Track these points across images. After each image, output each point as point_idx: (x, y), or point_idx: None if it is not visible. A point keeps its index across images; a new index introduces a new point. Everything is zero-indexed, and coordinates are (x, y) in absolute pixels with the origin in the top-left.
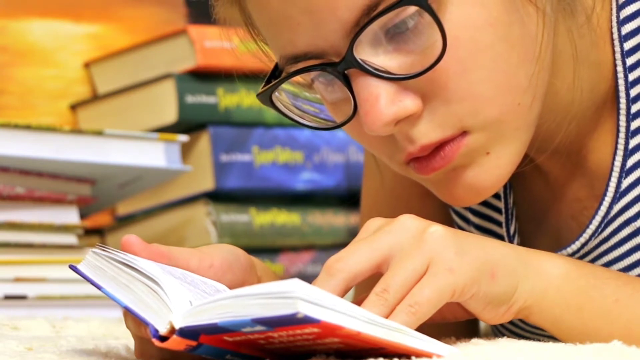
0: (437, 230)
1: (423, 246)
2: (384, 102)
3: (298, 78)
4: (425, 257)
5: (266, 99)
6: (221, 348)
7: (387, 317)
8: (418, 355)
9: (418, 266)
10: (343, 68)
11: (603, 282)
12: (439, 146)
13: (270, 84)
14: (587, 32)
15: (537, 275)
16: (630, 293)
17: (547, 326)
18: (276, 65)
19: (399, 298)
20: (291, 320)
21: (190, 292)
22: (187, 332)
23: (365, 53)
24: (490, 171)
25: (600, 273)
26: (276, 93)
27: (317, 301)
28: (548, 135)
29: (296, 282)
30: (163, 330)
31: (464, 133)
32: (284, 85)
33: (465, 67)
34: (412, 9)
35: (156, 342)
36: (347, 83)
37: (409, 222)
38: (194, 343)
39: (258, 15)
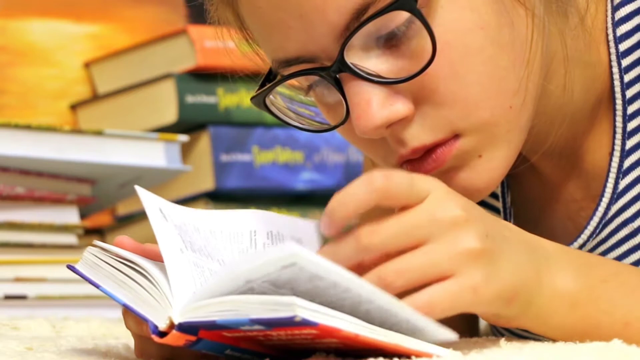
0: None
1: (460, 253)
2: (375, 106)
3: (292, 81)
4: (457, 263)
5: (260, 102)
6: (221, 343)
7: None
8: (418, 355)
9: (445, 269)
10: (334, 72)
11: (614, 305)
12: (431, 149)
13: (264, 88)
14: (580, 34)
15: (547, 302)
16: None
17: (544, 335)
18: (270, 69)
19: (406, 288)
20: (289, 323)
21: (198, 277)
22: (186, 327)
23: (357, 57)
24: (482, 174)
25: (614, 292)
26: (271, 96)
27: (315, 307)
28: (542, 137)
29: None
30: (162, 325)
31: (456, 136)
32: (279, 89)
33: (456, 71)
34: (402, 13)
35: (155, 338)
36: (339, 87)
37: (453, 212)
38: (193, 338)
39: (250, 19)
